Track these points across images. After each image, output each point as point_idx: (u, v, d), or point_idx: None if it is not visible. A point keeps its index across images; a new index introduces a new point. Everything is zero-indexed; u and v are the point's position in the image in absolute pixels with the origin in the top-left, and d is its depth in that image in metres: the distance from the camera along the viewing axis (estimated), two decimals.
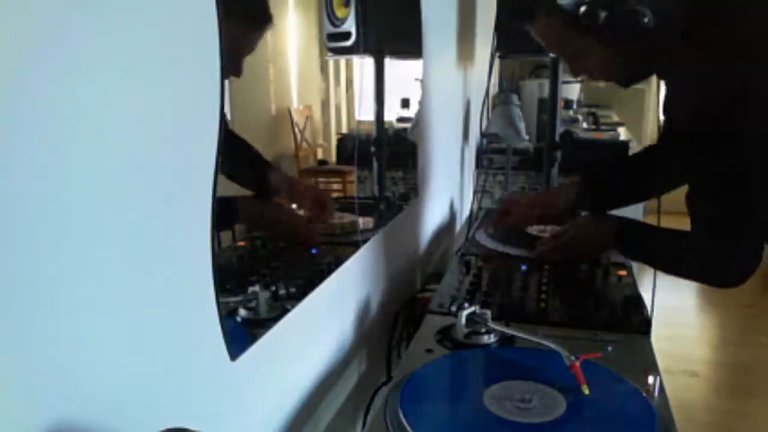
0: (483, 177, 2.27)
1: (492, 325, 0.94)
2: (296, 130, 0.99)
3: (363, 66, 1.19)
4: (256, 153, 0.81)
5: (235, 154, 0.70)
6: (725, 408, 2.54)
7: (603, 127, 3.30)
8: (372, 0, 1.11)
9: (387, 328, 1.28)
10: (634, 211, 1.46)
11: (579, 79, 1.12)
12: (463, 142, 2.12)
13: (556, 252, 1.30)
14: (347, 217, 1.13)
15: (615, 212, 1.29)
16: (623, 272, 1.23)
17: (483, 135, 2.14)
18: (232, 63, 0.64)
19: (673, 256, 1.12)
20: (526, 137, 2.08)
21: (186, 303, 0.60)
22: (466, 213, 2.20)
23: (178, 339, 0.60)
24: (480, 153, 2.35)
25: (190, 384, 0.62)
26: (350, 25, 1.05)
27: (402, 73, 1.41)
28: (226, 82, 0.61)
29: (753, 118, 0.92)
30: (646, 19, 0.93)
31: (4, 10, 0.38)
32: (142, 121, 0.52)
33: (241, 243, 0.83)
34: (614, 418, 0.77)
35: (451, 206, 2.00)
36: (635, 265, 1.32)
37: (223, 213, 0.67)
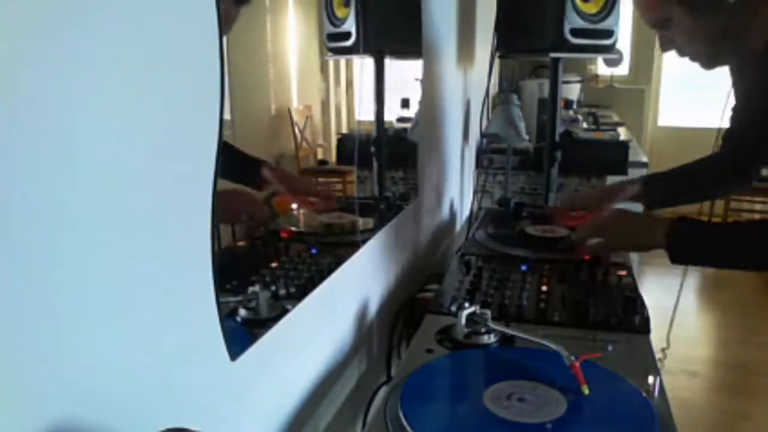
0: (483, 177, 2.27)
1: (492, 325, 0.94)
2: (296, 130, 0.99)
3: (363, 66, 1.19)
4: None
5: None
6: (725, 408, 2.54)
7: (603, 127, 3.31)
8: (372, 0, 1.11)
9: (387, 328, 1.28)
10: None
11: (671, 51, 1.11)
12: (463, 142, 2.12)
13: (596, 230, 1.24)
14: (347, 217, 1.13)
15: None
16: (623, 272, 1.23)
17: (483, 135, 2.14)
18: None
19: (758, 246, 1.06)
20: (526, 137, 2.08)
21: (186, 303, 0.60)
22: (466, 213, 2.20)
23: (178, 339, 0.60)
24: (480, 153, 2.35)
25: (190, 384, 0.62)
26: (350, 25, 1.05)
27: (402, 73, 1.41)
28: (226, 82, 0.61)
29: None
30: None
31: (4, 13, 0.38)
32: (141, 121, 0.52)
33: (241, 243, 0.83)
34: (614, 418, 0.77)
35: (451, 206, 2.00)
36: (635, 265, 1.31)
37: None
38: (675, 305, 1.69)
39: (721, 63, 1.10)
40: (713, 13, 0.99)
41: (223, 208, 0.81)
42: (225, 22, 0.70)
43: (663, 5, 1.02)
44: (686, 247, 1.10)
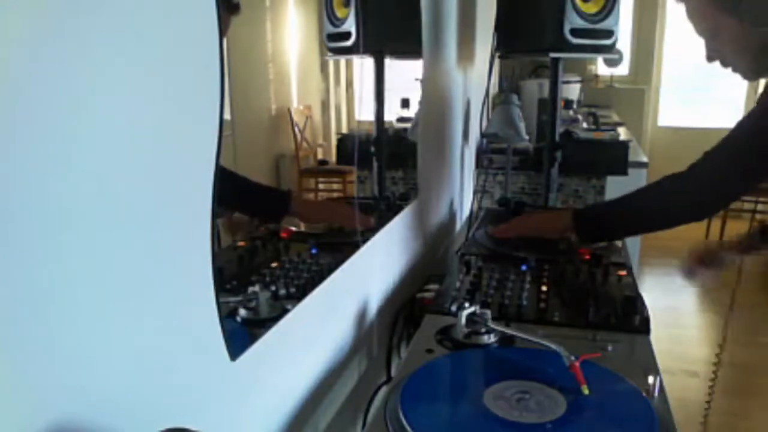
0: (483, 177, 2.27)
1: (492, 325, 0.94)
2: (296, 130, 0.98)
3: (363, 66, 1.19)
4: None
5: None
6: (725, 408, 2.53)
7: (603, 127, 3.30)
8: (372, 0, 1.11)
9: (387, 328, 1.28)
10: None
11: (713, 61, 1.15)
12: (463, 142, 2.12)
13: (514, 229, 1.44)
14: None
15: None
16: (623, 272, 1.24)
17: (483, 135, 2.14)
18: None
19: (647, 205, 1.22)
20: (526, 137, 2.08)
21: (186, 303, 0.60)
22: (466, 213, 2.20)
23: (178, 339, 0.60)
24: (480, 153, 2.35)
25: (190, 384, 0.62)
26: (350, 25, 1.05)
27: (402, 73, 1.41)
28: (226, 81, 0.61)
29: None
30: None
31: (4, 12, 0.38)
32: (141, 121, 0.52)
33: (241, 243, 0.83)
34: (614, 418, 0.77)
35: (451, 206, 2.00)
36: (635, 265, 1.32)
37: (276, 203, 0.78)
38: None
39: (764, 74, 1.12)
40: (762, 25, 1.01)
41: (327, 213, 1.03)
42: None
43: (714, 15, 1.05)
44: (590, 226, 1.29)
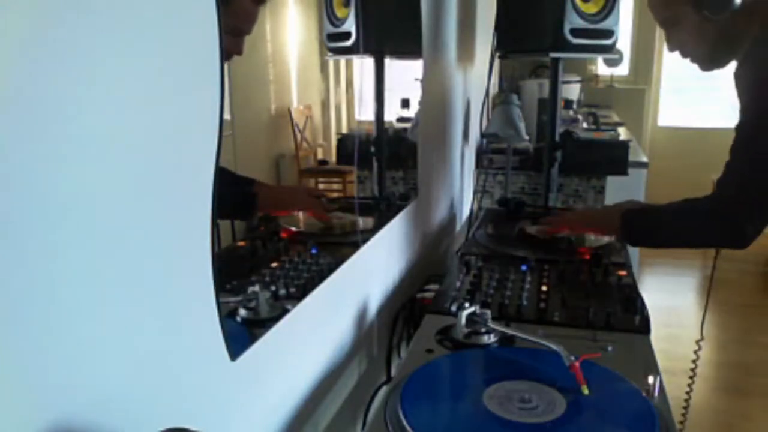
0: (483, 177, 2.28)
1: (492, 325, 0.94)
2: (296, 130, 0.98)
3: (363, 66, 1.19)
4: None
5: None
6: (726, 408, 2.53)
7: (603, 127, 3.31)
8: (372, 0, 1.11)
9: (387, 328, 1.28)
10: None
11: (674, 51, 1.17)
12: (463, 142, 2.12)
13: (563, 222, 1.43)
14: (347, 217, 1.13)
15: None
16: (623, 272, 1.24)
17: (483, 135, 2.14)
18: (234, 41, 0.64)
19: (688, 224, 1.18)
20: (526, 137, 2.08)
21: (186, 303, 0.60)
22: (466, 213, 2.20)
23: (178, 339, 0.60)
24: (480, 153, 2.35)
25: (191, 384, 0.62)
26: (350, 25, 1.05)
27: (402, 73, 1.41)
28: (226, 81, 0.61)
29: None
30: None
31: (4, 12, 0.38)
32: (141, 121, 0.52)
33: (241, 243, 0.83)
34: (614, 418, 0.77)
35: (451, 206, 2.00)
36: (635, 265, 1.32)
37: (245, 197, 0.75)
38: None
39: (718, 65, 1.14)
40: (720, 14, 1.03)
41: (285, 201, 0.96)
42: (246, 22, 0.71)
43: (674, 4, 1.07)
44: (637, 232, 1.25)
